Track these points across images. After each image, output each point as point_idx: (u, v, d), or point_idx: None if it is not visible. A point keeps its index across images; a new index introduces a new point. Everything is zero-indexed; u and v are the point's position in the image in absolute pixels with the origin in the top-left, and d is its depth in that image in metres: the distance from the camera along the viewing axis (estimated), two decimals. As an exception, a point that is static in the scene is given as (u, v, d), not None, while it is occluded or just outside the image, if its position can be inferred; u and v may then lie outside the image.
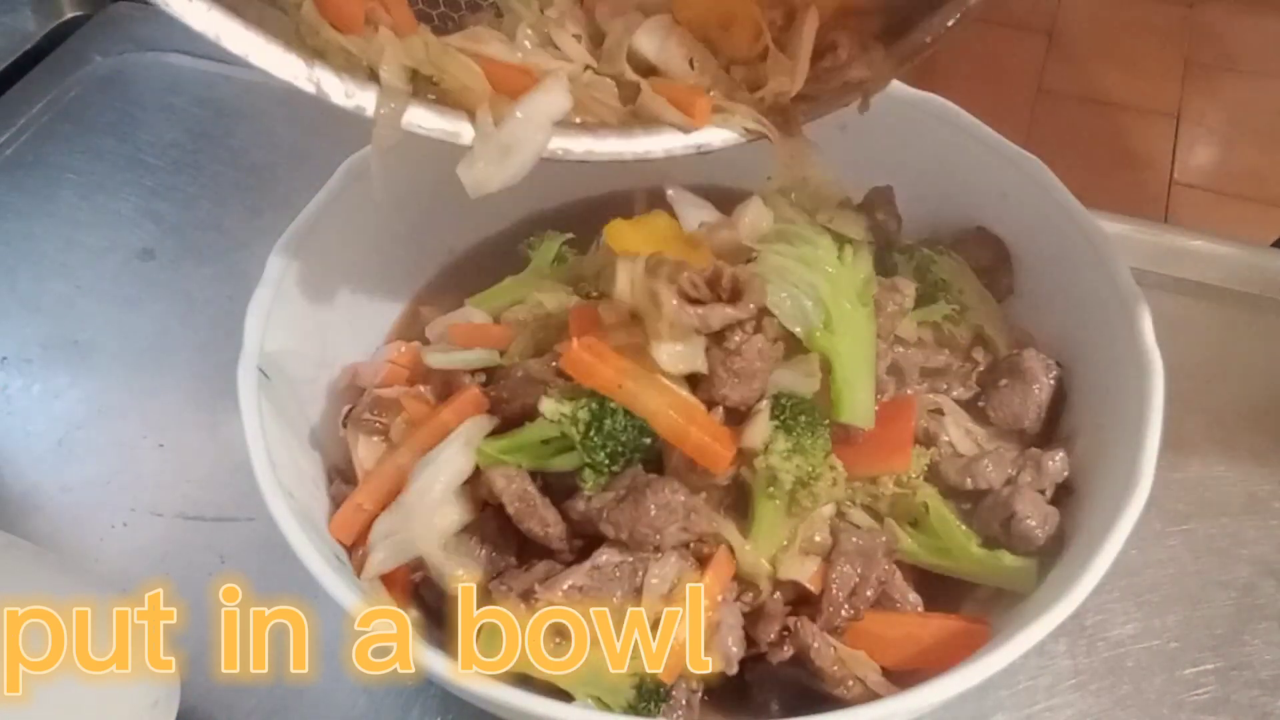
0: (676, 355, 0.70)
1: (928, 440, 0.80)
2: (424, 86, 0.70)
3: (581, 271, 0.84)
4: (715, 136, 0.74)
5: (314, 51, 0.67)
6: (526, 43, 0.75)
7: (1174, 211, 2.46)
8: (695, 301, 0.70)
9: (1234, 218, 2.46)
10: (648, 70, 0.75)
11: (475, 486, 0.74)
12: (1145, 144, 2.61)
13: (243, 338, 0.76)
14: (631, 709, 0.67)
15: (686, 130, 0.73)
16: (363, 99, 0.67)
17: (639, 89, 0.74)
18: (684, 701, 0.70)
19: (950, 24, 0.73)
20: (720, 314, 0.70)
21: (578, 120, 0.72)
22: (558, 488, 0.74)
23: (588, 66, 0.75)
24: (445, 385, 0.81)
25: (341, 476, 0.80)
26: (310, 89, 0.66)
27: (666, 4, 0.77)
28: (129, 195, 1.16)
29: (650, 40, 0.75)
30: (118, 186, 1.17)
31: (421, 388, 0.82)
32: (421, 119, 0.68)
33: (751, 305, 0.71)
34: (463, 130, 0.69)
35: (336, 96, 0.67)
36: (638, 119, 0.74)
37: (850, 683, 0.70)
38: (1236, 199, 2.51)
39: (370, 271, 0.89)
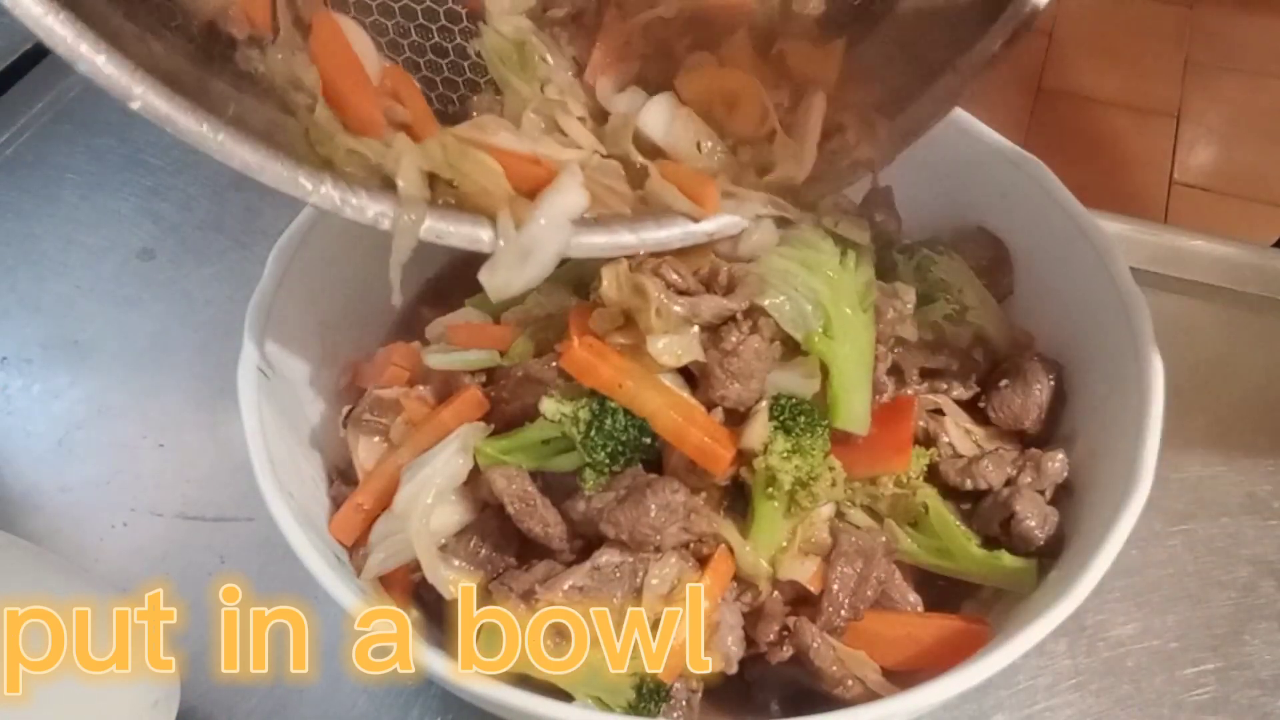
0: (669, 345, 0.69)
1: (928, 440, 0.80)
2: (442, 188, 0.69)
3: (581, 272, 0.84)
4: (728, 223, 0.73)
5: (323, 160, 0.66)
6: (534, 129, 0.74)
7: (1174, 211, 2.46)
8: (683, 293, 0.71)
9: (1234, 218, 2.46)
10: (654, 152, 0.75)
11: (475, 487, 0.74)
12: (1145, 144, 2.60)
13: (243, 338, 0.76)
14: (631, 709, 0.67)
15: (697, 219, 0.72)
16: (379, 210, 0.67)
17: (647, 172, 0.73)
18: (684, 701, 0.70)
19: (948, 108, 0.73)
20: (710, 303, 0.71)
21: (590, 215, 0.72)
22: (558, 488, 0.74)
23: (595, 151, 0.75)
24: (445, 386, 0.81)
25: (342, 477, 0.80)
26: (325, 204, 0.65)
27: (669, 81, 0.76)
28: (129, 195, 1.16)
29: (656, 122, 0.74)
30: (118, 186, 1.17)
31: (421, 388, 0.81)
32: (441, 229, 0.68)
33: (745, 300, 0.71)
34: (483, 235, 0.69)
35: (352, 211, 0.66)
36: (647, 205, 0.73)
37: (850, 682, 0.71)
38: (1236, 199, 2.51)
39: (370, 271, 0.89)
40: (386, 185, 0.68)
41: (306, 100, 0.68)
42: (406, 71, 0.76)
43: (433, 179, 0.69)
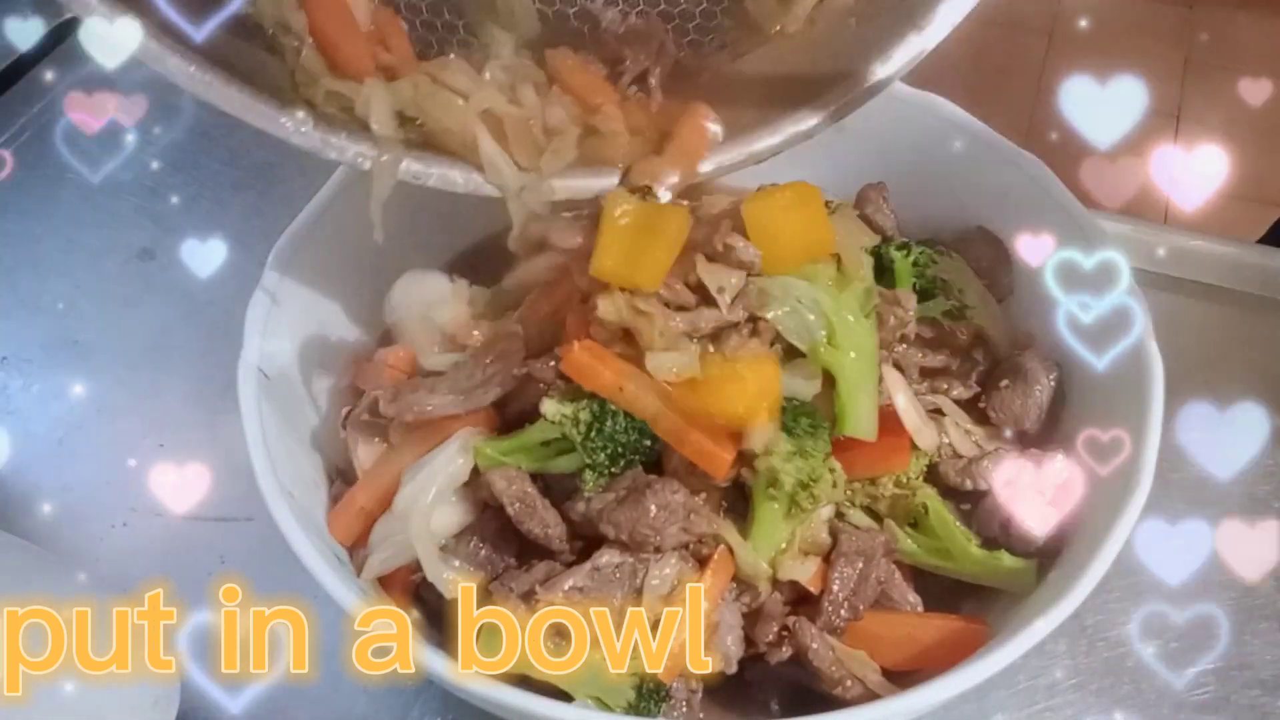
0: (668, 362, 0.69)
1: (927, 441, 0.80)
2: (410, 127, 0.72)
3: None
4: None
5: (305, 101, 0.68)
6: (488, 74, 0.76)
7: (1174, 211, 2.46)
8: (681, 308, 0.70)
9: (1234, 218, 2.45)
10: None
11: (476, 488, 0.74)
12: (1145, 144, 2.60)
13: (243, 338, 0.76)
14: (631, 709, 0.67)
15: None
16: (359, 150, 0.69)
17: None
18: (684, 701, 0.70)
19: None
20: (710, 316, 0.71)
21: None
22: (558, 489, 0.74)
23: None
24: (445, 386, 0.81)
25: (342, 477, 0.80)
26: (306, 145, 0.68)
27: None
28: (129, 195, 1.16)
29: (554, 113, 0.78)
30: (118, 186, 1.17)
31: (421, 388, 0.81)
32: (419, 170, 0.72)
33: (745, 313, 0.71)
34: (458, 177, 0.73)
35: (334, 152, 0.69)
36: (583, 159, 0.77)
37: (849, 683, 0.71)
38: (1236, 199, 2.50)
39: (370, 271, 0.89)
40: (365, 127, 0.70)
41: (294, 43, 0.69)
42: (393, 13, 0.77)
43: (401, 118, 0.72)
